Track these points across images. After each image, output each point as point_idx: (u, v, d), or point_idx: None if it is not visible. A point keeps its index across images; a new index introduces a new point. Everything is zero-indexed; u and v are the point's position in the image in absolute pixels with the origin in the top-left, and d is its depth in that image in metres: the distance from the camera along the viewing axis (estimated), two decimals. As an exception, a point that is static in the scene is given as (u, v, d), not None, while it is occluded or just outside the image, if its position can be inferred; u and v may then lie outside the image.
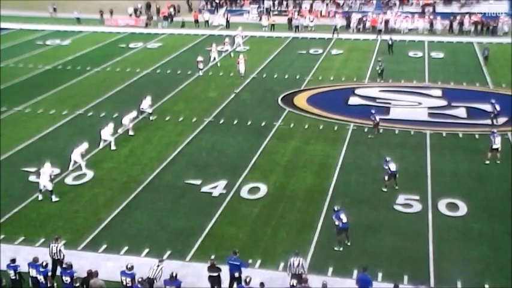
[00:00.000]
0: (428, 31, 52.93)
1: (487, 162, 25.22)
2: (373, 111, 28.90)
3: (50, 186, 22.76)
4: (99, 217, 21.64)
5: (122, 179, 24.75)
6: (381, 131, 28.74)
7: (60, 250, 17.63)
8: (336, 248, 19.22)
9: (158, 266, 16.64)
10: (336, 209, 19.59)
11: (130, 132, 29.28)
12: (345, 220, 19.13)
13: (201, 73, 39.33)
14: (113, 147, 27.56)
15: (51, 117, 32.22)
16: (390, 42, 44.46)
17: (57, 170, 24.52)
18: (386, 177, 23.09)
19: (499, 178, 24.34)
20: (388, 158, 23.45)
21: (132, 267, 16.17)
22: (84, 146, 26.00)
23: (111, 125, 28.12)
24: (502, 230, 20.31)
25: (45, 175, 22.81)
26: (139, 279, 15.83)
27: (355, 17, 54.99)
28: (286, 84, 37.76)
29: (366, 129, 29.61)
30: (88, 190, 23.84)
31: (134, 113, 30.14)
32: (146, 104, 31.65)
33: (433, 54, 45.14)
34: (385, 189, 22.99)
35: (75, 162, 25.45)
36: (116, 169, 25.75)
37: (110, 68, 42.64)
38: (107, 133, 27.82)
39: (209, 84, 38.21)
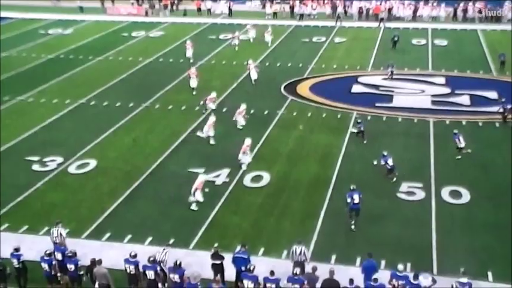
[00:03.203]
0: (412, 18, 52.86)
1: (459, 157, 24.77)
2: (359, 121, 27.37)
3: (200, 197, 21.59)
4: (103, 206, 21.70)
5: (126, 168, 24.79)
6: (365, 141, 27.09)
7: (61, 234, 17.85)
8: (352, 225, 19.72)
9: (164, 249, 16.89)
10: (352, 188, 19.95)
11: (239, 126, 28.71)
12: (356, 201, 19.54)
13: (194, 92, 33.32)
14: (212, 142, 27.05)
15: (54, 107, 32.23)
16: (396, 39, 43.08)
17: (203, 176, 22.39)
18: (387, 173, 23.07)
19: (503, 166, 24.28)
20: (385, 153, 23.24)
21: (135, 255, 16.23)
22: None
23: (212, 119, 27.35)
24: (505, 219, 20.25)
25: (196, 185, 21.71)
26: (151, 259, 16.00)
27: (341, 5, 54.55)
28: (289, 72, 37.66)
29: (369, 117, 29.61)
30: (92, 179, 23.89)
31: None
32: (211, 100, 30.40)
33: (436, 42, 44.92)
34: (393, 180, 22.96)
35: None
36: (119, 158, 25.79)
37: (112, 57, 42.60)
38: (209, 126, 26.97)
39: (212, 73, 38.12)
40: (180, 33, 49.55)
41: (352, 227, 19.70)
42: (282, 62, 40.00)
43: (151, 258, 16.04)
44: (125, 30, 51.34)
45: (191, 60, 39.60)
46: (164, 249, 17.00)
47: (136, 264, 16.10)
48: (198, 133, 27.69)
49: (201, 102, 30.46)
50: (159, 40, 47.71)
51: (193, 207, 21.33)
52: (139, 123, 29.58)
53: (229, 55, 41.88)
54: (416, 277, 15.30)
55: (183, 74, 37.53)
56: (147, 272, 15.95)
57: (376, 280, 15.15)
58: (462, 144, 24.65)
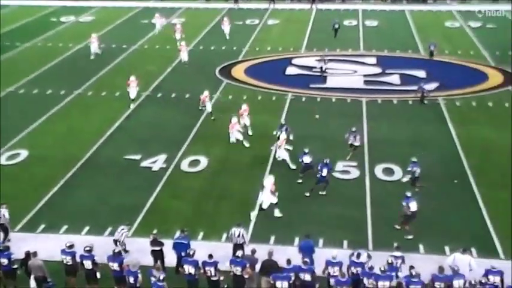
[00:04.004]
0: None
1: (348, 158, 23.76)
2: (283, 123, 25.14)
3: (274, 200, 19.83)
4: (37, 197, 21.12)
5: (60, 156, 24.18)
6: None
7: (4, 215, 17.77)
8: (307, 194, 21.00)
9: (122, 229, 17.26)
10: (324, 161, 20.95)
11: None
12: (324, 174, 20.81)
13: (132, 105, 29.35)
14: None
15: (-19, 96, 31.04)
16: (337, 26, 42.38)
17: (272, 177, 20.26)
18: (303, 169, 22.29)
19: (433, 143, 25.20)
20: (306, 150, 22.46)
21: (72, 246, 15.90)
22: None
23: (233, 120, 25.18)
24: (435, 193, 21.07)
25: (267, 189, 19.85)
26: (87, 248, 15.74)
27: None
28: (224, 55, 37.61)
29: (303, 99, 30.07)
30: (24, 169, 23.22)
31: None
32: (204, 99, 28.08)
33: (367, 23, 45.85)
34: (300, 181, 22.10)
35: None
36: (53, 147, 25.14)
37: (41, 44, 41.27)
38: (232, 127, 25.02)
39: (146, 57, 37.60)
40: (111, 17, 48.50)
41: (307, 194, 21.05)
42: (216, 46, 39.85)
43: (88, 248, 15.77)
44: (53, 15, 49.75)
45: (92, 57, 37.22)
46: (123, 229, 17.24)
47: (73, 255, 15.79)
48: (245, 143, 25.12)
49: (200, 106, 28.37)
50: (90, 25, 46.37)
51: (278, 213, 19.76)
52: (72, 111, 28.91)
53: (163, 39, 41.26)
54: (358, 256, 15.62)
55: (116, 59, 36.93)
56: (84, 262, 15.69)
57: (306, 263, 15.33)
58: (357, 143, 23.85)
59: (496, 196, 20.82)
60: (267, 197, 19.74)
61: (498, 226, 19.03)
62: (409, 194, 18.83)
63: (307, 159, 22.18)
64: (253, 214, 19.78)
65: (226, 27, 42.15)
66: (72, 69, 35.29)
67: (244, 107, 26.31)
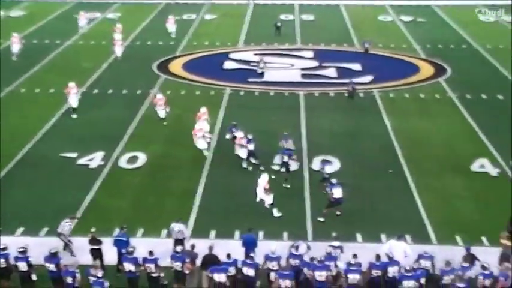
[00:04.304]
0: None
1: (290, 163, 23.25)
2: (234, 123, 24.31)
3: (270, 200, 19.78)
4: (-32, 199, 20.40)
5: (-8, 156, 23.41)
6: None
7: None
8: (284, 185, 21.32)
9: (66, 222, 17.22)
10: (285, 146, 22.01)
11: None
12: (285, 160, 21.59)
13: (74, 115, 27.40)
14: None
15: None
16: (279, 24, 42.27)
17: (266, 175, 20.07)
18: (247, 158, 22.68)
19: (369, 134, 25.80)
20: (250, 136, 22.60)
21: (5, 248, 15.43)
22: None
23: (196, 126, 24.15)
24: (373, 185, 21.55)
25: (260, 187, 19.88)
26: (21, 249, 15.31)
27: None
28: (161, 51, 37.32)
29: (242, 93, 30.18)
30: (-47, 171, 22.37)
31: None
32: (158, 102, 26.74)
33: (303, 17, 46.43)
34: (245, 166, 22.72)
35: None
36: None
37: (-32, 40, 39.73)
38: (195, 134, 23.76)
39: (80, 53, 36.81)
40: (44, 12, 47.18)
41: (286, 185, 21.45)
42: (153, 41, 39.46)
43: (22, 249, 15.34)
44: (-19, 10, 47.95)
45: (14, 58, 35.32)
46: (66, 222, 17.15)
47: (6, 257, 15.32)
48: (204, 152, 23.81)
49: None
50: (21, 20, 45.02)
51: (276, 212, 19.60)
52: (5, 109, 27.95)
53: (98, 35, 40.52)
54: (297, 248, 15.82)
55: (49, 55, 36.02)
56: (18, 263, 15.26)
57: (252, 258, 15.42)
58: (291, 146, 23.34)
59: (429, 184, 21.57)
60: (261, 194, 19.86)
61: (430, 213, 19.72)
62: (334, 181, 19.37)
63: (251, 146, 22.51)
64: (275, 211, 19.72)
65: (171, 26, 41.33)
66: (3, 66, 34.07)
67: (203, 109, 25.13)
